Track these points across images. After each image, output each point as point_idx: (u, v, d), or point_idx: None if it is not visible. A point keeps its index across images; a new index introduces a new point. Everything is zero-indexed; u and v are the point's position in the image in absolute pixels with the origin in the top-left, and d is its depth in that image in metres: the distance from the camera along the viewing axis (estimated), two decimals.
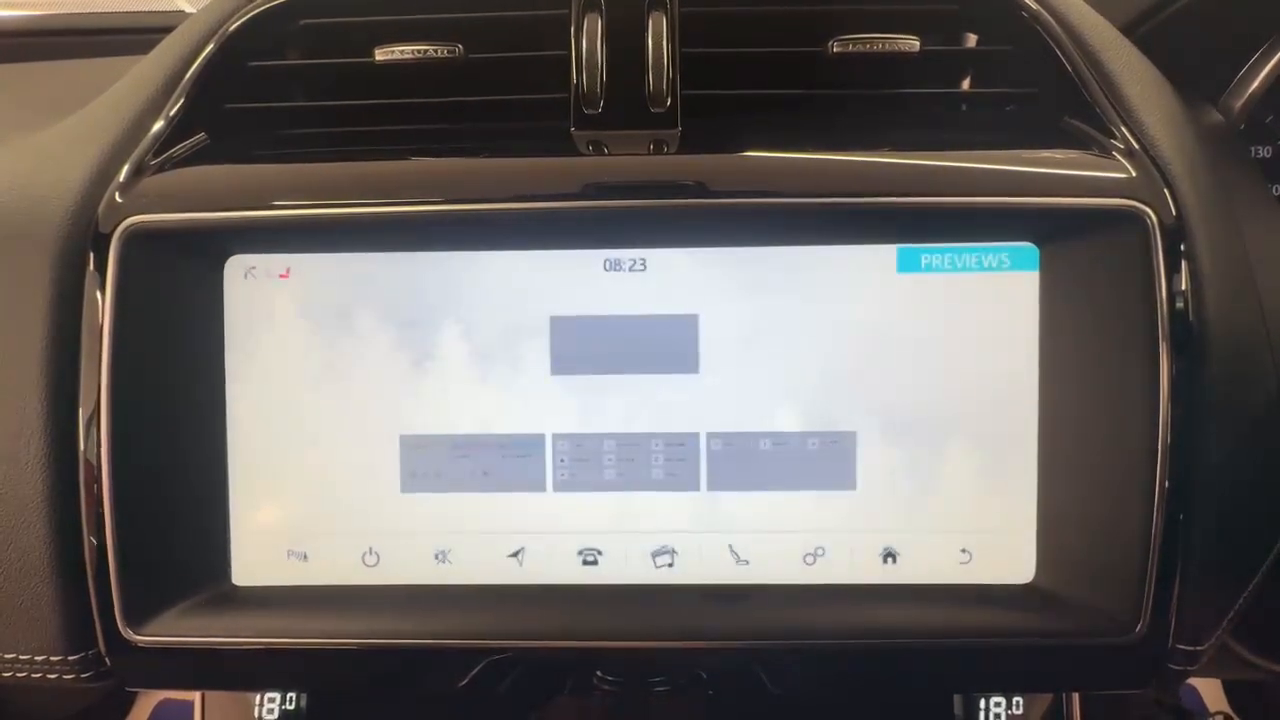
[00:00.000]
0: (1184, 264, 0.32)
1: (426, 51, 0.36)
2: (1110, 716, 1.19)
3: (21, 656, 0.34)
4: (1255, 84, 0.43)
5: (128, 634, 0.33)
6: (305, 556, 0.37)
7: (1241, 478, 0.34)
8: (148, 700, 1.48)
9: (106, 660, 0.34)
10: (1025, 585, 0.35)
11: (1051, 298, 0.34)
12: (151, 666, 0.34)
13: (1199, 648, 0.33)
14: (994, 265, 0.34)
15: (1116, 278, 0.33)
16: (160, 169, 0.35)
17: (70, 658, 0.34)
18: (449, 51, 0.36)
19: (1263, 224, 0.37)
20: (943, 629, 0.33)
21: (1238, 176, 0.39)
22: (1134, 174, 0.33)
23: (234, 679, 0.35)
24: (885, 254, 0.34)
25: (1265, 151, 0.47)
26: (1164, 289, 0.32)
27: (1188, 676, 0.34)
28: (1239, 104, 0.44)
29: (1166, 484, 0.32)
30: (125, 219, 0.33)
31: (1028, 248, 0.34)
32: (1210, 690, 1.29)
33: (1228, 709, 1.26)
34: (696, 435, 0.35)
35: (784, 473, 0.35)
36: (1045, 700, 0.38)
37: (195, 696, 0.40)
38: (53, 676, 0.34)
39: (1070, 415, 0.34)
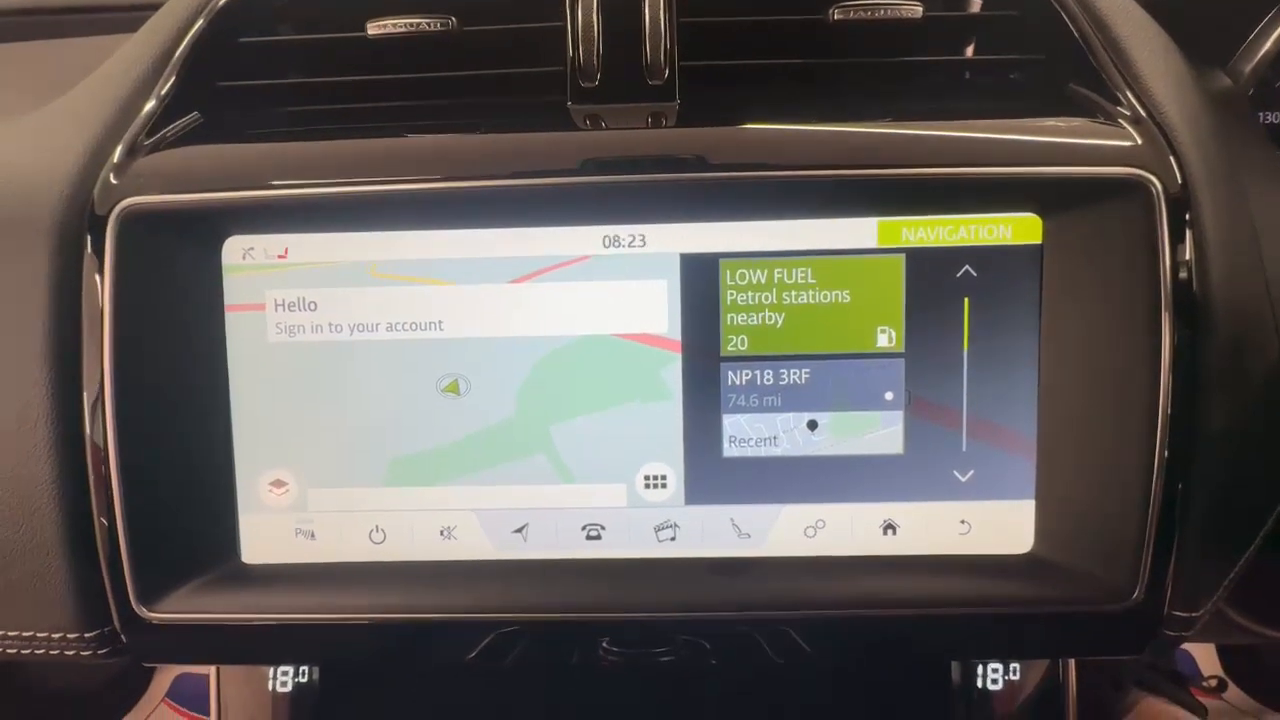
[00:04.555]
0: (1188, 233, 0.32)
1: (419, 25, 0.35)
2: (1106, 681, 1.21)
3: (39, 634, 0.34)
4: (1265, 48, 0.42)
5: (141, 611, 0.34)
6: (313, 535, 0.37)
7: (1241, 449, 0.34)
8: (167, 673, 1.52)
9: (122, 637, 0.34)
10: (1024, 555, 0.35)
11: (1055, 268, 0.34)
12: (165, 642, 0.35)
13: (1194, 614, 0.33)
14: (997, 236, 0.34)
15: (1120, 247, 0.33)
16: (154, 149, 0.35)
17: (86, 635, 0.34)
18: (442, 24, 0.35)
19: (1269, 191, 0.37)
20: (942, 598, 0.33)
21: (1245, 143, 0.39)
22: (1139, 142, 0.32)
23: (245, 653, 0.36)
24: (867, 227, 0.34)
25: (1275, 117, 0.47)
26: (1167, 258, 0.32)
27: (1183, 642, 0.34)
28: (1249, 68, 0.43)
29: (1165, 454, 0.32)
30: (121, 201, 0.33)
31: (1031, 218, 0.34)
32: (1204, 655, 1.32)
33: (1222, 674, 1.29)
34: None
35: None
36: (1041, 666, 0.39)
37: (210, 670, 0.41)
38: (70, 653, 0.35)
39: (1070, 386, 0.34)
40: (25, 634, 0.34)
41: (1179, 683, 1.17)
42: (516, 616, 0.34)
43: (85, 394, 0.33)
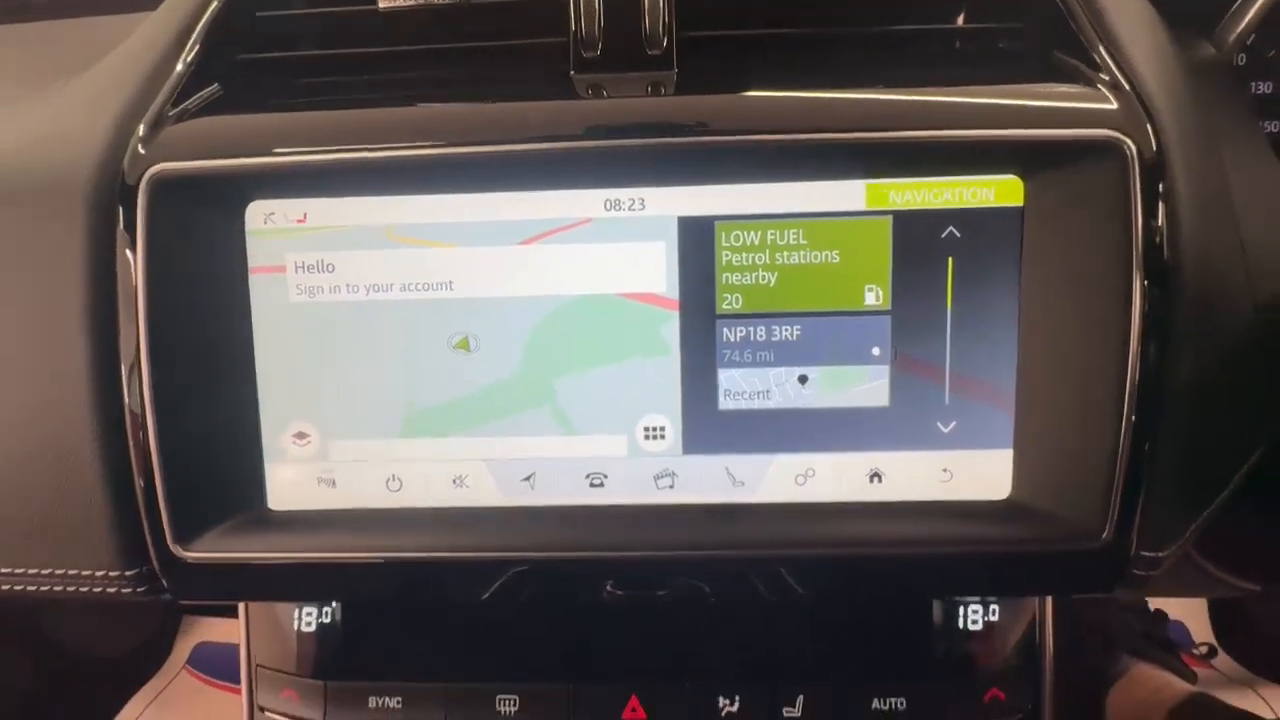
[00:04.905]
0: (1161, 195, 0.34)
1: None
2: (1100, 649, 1.24)
3: (84, 573, 0.37)
4: (1248, 17, 0.43)
5: (176, 551, 0.36)
6: (334, 483, 0.40)
7: (1209, 404, 0.36)
8: (187, 642, 1.57)
9: (159, 576, 0.37)
10: (1002, 501, 0.37)
11: (1035, 229, 0.35)
12: (198, 581, 0.38)
13: (1161, 554, 0.35)
14: (980, 199, 0.36)
15: (1096, 209, 0.34)
16: (179, 119, 0.37)
17: (126, 574, 0.37)
18: None
19: (1250, 161, 0.38)
20: (924, 539, 0.36)
21: (1227, 112, 0.40)
22: (1116, 106, 0.34)
23: (271, 591, 0.39)
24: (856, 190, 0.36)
25: (1266, 87, 0.48)
26: (1140, 219, 0.33)
27: (1151, 582, 0.36)
28: (1232, 37, 0.44)
29: (1134, 406, 0.34)
30: (150, 168, 0.35)
31: (1012, 180, 0.36)
32: (1197, 624, 1.34)
33: (1213, 641, 1.31)
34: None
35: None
36: (1021, 607, 0.41)
37: (240, 610, 0.44)
38: (111, 591, 0.37)
39: (1048, 342, 0.36)
40: (73, 572, 0.37)
41: (1170, 650, 1.20)
42: (525, 555, 0.36)
43: (122, 352, 0.36)
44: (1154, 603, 1.18)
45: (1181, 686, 1.01)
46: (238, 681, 1.50)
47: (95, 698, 1.30)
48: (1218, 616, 1.31)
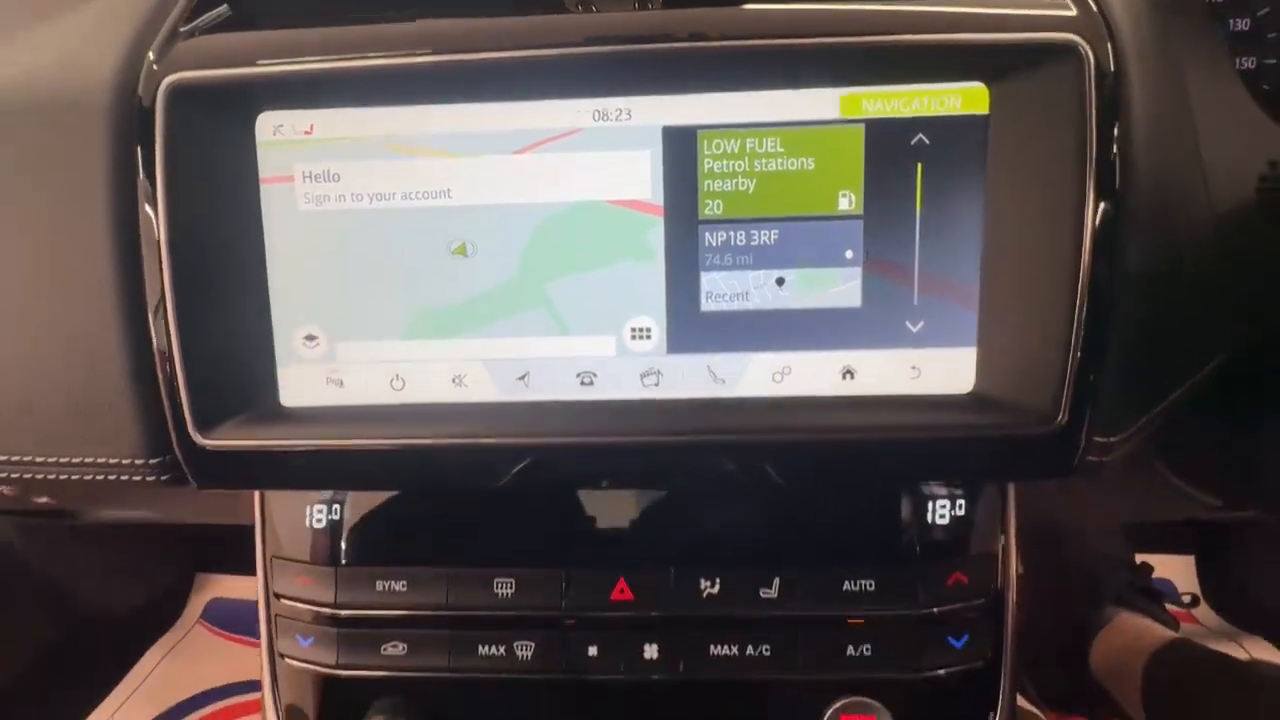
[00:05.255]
0: (1117, 106, 0.36)
1: None
2: (1085, 600, 1.27)
3: (111, 460, 0.40)
4: None
5: (197, 439, 0.39)
6: (341, 383, 0.42)
7: (1161, 304, 0.38)
8: (201, 597, 1.62)
9: (181, 463, 0.40)
10: (966, 394, 0.40)
11: (999, 135, 0.37)
12: (217, 468, 0.41)
13: (1111, 439, 0.38)
14: (948, 106, 0.38)
15: (1056, 115, 0.36)
16: (190, 36, 0.39)
17: (151, 461, 0.40)
18: None
19: (1219, 91, 0.40)
20: (894, 427, 0.38)
21: (1198, 42, 0.42)
22: (1075, 12, 0.36)
23: (284, 478, 0.42)
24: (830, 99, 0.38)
25: (1243, 24, 0.49)
26: (1095, 127, 0.35)
27: (1103, 469, 0.39)
28: None
29: (1086, 300, 0.36)
30: (165, 79, 0.37)
31: (978, 88, 0.38)
32: (1184, 583, 1.38)
33: (1197, 591, 1.35)
34: None
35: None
36: (983, 502, 0.44)
37: (255, 508, 0.47)
38: (136, 479, 0.40)
39: (1010, 244, 0.38)
40: (100, 460, 0.40)
41: (1155, 599, 1.23)
42: (520, 442, 0.39)
43: (145, 255, 0.38)
44: (1141, 559, 1.22)
45: (1163, 632, 1.05)
46: (249, 634, 1.55)
47: (113, 649, 1.35)
48: (1204, 573, 1.35)
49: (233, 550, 1.51)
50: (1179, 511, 0.56)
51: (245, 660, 1.43)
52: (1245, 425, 0.48)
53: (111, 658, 1.35)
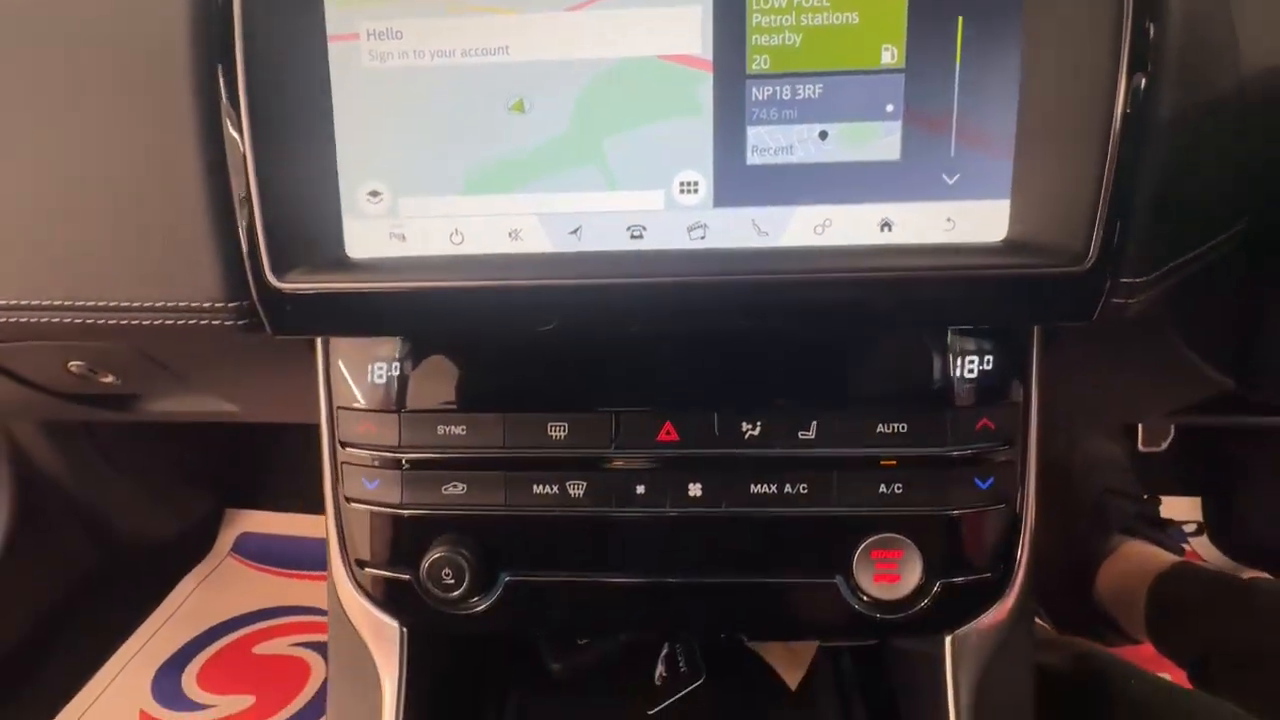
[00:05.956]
0: None
1: None
2: (1093, 529, 1.30)
3: (192, 304, 0.43)
4: None
5: (273, 281, 0.42)
6: (403, 237, 0.45)
7: (1190, 156, 0.39)
8: (231, 530, 1.68)
9: (257, 309, 0.43)
10: (999, 241, 0.42)
11: None
12: (290, 314, 0.43)
13: (1138, 280, 0.40)
14: None
15: None
16: None
17: (230, 305, 0.43)
18: None
19: None
20: (929, 267, 0.40)
21: None
22: None
23: (354, 322, 0.44)
24: None
25: None
26: None
27: (1128, 311, 0.41)
28: None
29: (1119, 144, 0.38)
30: None
31: None
32: (1187, 508, 1.41)
33: (1201, 519, 1.37)
34: None
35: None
36: (1009, 359, 0.47)
37: (319, 368, 0.50)
38: (215, 322, 0.43)
39: (1045, 96, 0.40)
40: (183, 304, 0.43)
41: (1160, 527, 1.26)
42: (572, 282, 0.41)
43: (225, 107, 0.41)
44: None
45: (1168, 557, 1.08)
46: (277, 566, 1.61)
47: (150, 577, 1.41)
48: (1209, 512, 1.37)
49: (261, 487, 1.57)
50: (1190, 394, 0.58)
51: (274, 589, 1.49)
52: (1263, 302, 0.50)
53: (149, 585, 1.41)
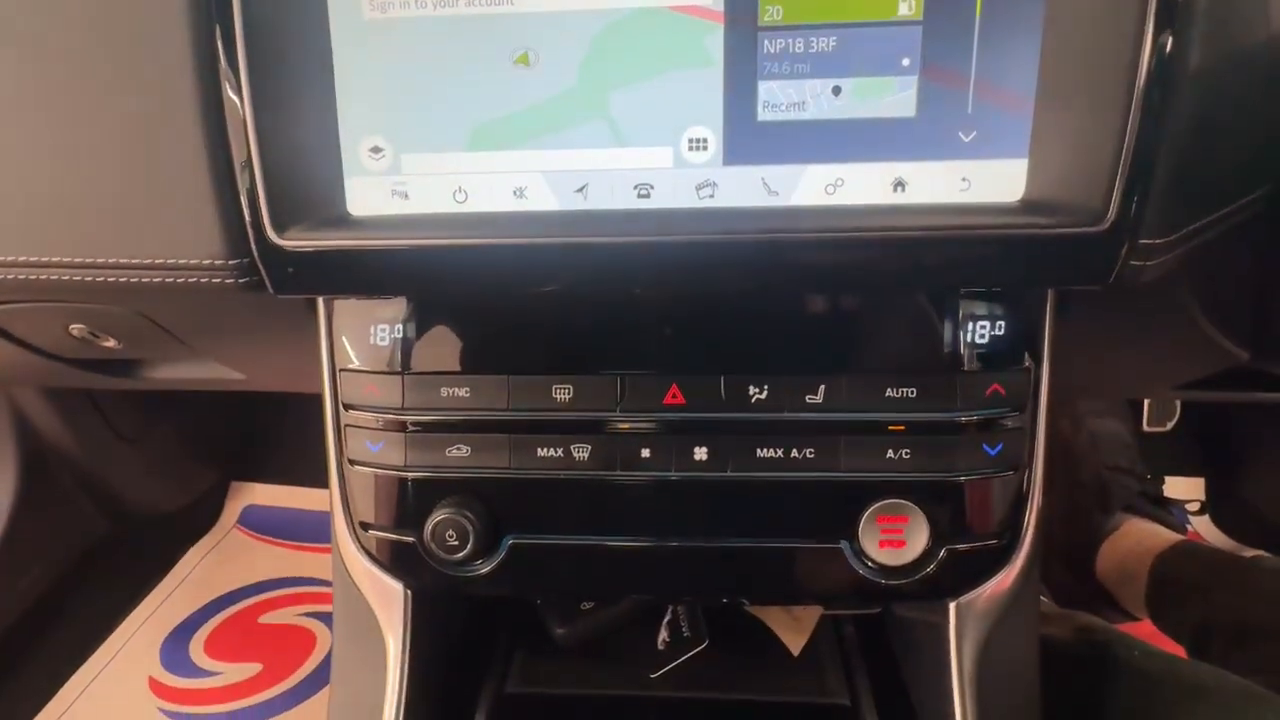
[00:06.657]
0: None
1: None
2: (1096, 506, 1.29)
3: (193, 261, 0.42)
4: None
5: (273, 238, 0.41)
6: (406, 195, 0.44)
7: (1213, 116, 0.38)
8: (237, 502, 1.69)
9: (258, 267, 0.42)
10: (1016, 201, 0.41)
11: None
12: (292, 272, 0.42)
13: (1158, 241, 0.39)
14: None
15: None
16: None
17: (231, 262, 0.42)
18: None
19: None
20: (942, 226, 0.39)
21: None
22: None
23: (355, 282, 0.43)
24: None
25: None
26: None
27: (1145, 274, 0.40)
28: None
29: (1142, 102, 0.37)
30: None
31: None
32: (1190, 488, 1.40)
33: (1204, 499, 1.37)
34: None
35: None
36: (1022, 325, 0.46)
37: (321, 330, 0.49)
38: (216, 280, 0.43)
39: (1068, 52, 0.38)
40: (183, 262, 0.42)
41: (1162, 505, 1.26)
42: (578, 241, 0.41)
43: (223, 66, 0.40)
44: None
45: (1170, 535, 1.08)
46: (282, 538, 1.62)
47: (156, 548, 1.43)
48: (1211, 492, 1.37)
49: (264, 461, 1.58)
50: (1202, 367, 0.57)
51: (279, 560, 1.51)
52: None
53: (156, 556, 1.42)
